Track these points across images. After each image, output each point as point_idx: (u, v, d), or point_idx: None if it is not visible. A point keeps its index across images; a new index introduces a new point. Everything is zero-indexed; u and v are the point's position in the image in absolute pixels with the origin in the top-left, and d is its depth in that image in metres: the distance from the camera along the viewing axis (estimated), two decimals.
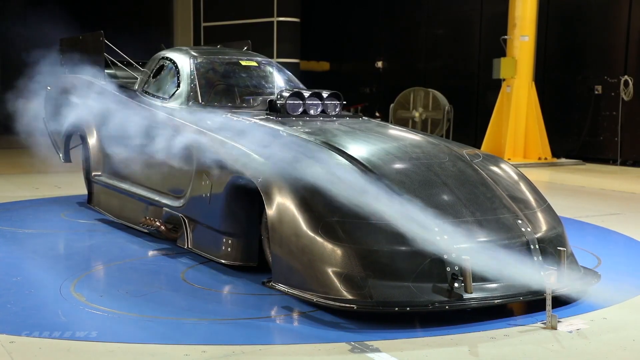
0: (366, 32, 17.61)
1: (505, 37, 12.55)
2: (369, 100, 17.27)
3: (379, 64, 17.33)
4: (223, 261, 4.67)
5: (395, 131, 5.39)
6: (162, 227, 5.27)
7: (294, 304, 3.96)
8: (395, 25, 16.87)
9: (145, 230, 5.55)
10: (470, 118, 14.88)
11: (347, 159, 4.44)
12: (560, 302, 3.97)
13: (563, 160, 12.72)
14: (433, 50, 16.17)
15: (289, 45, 15.84)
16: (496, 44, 12.85)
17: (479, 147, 12.54)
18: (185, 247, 5.09)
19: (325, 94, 5.61)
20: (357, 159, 4.43)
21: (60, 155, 7.43)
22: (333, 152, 4.52)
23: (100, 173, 6.56)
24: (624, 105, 12.41)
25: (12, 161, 11.66)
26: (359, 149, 4.62)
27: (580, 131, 13.12)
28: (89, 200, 6.83)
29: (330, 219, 3.90)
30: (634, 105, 12.38)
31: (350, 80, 17.66)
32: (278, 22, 15.61)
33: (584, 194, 8.86)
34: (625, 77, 12.33)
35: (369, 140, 4.85)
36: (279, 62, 10.04)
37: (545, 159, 12.45)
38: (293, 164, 4.28)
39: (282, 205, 4.07)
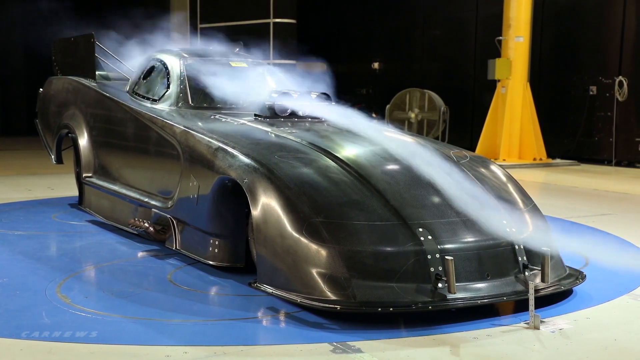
0: (362, 33, 17.63)
1: (500, 38, 12.55)
2: (366, 101, 17.27)
3: (375, 65, 17.34)
4: (210, 262, 4.67)
5: (384, 132, 5.38)
6: (151, 229, 5.28)
7: (280, 305, 3.97)
8: (391, 26, 16.88)
9: (135, 232, 5.56)
10: (466, 119, 14.89)
11: (333, 160, 4.44)
12: (545, 302, 3.98)
13: (558, 160, 12.72)
14: (429, 51, 16.19)
15: (286, 46, 15.84)
16: (491, 45, 12.86)
17: (474, 148, 12.56)
18: (174, 248, 5.10)
19: (314, 95, 5.61)
20: (344, 160, 4.44)
21: (52, 156, 7.44)
22: (319, 153, 4.53)
23: (90, 174, 6.57)
24: (618, 106, 12.42)
25: (6, 163, 11.66)
26: (346, 150, 4.63)
27: (575, 132, 13.12)
28: (80, 202, 6.84)
29: (314, 220, 3.90)
30: (629, 106, 12.39)
31: (347, 81, 17.67)
32: (274, 23, 15.61)
33: (577, 195, 8.86)
34: (620, 77, 12.33)
35: (356, 141, 4.85)
36: (275, 64, 10.01)
37: (540, 159, 12.45)
38: (279, 165, 4.29)
39: (267, 205, 4.08)
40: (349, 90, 17.18)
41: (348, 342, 3.41)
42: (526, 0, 12.29)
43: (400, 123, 13.94)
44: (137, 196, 5.66)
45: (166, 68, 6.08)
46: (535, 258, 4.09)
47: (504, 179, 4.79)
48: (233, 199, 4.56)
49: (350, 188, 4.16)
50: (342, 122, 5.21)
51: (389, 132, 5.41)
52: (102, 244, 5.58)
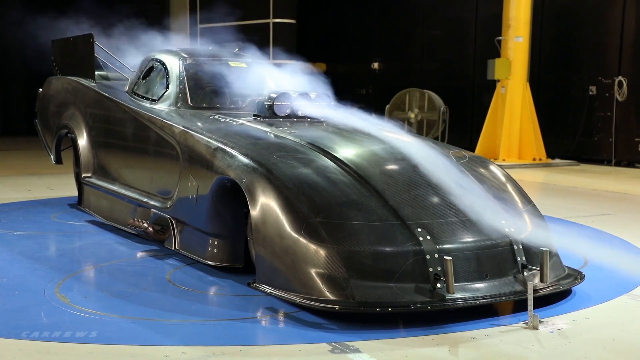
0: (362, 33, 17.63)
1: (500, 38, 12.56)
2: (365, 101, 17.27)
3: (375, 65, 17.34)
4: (209, 262, 4.68)
5: (382, 132, 5.37)
6: (150, 229, 5.28)
7: (279, 305, 3.97)
8: (391, 27, 16.88)
9: (134, 232, 5.56)
10: (465, 119, 14.89)
11: (332, 160, 4.44)
12: (544, 302, 3.98)
13: (558, 161, 12.72)
14: (429, 52, 16.19)
15: (285, 46, 15.83)
16: (491, 45, 12.87)
17: (474, 148, 12.56)
18: (173, 248, 5.10)
19: (313, 95, 5.61)
20: (342, 160, 4.44)
21: (52, 157, 7.44)
22: (318, 154, 4.53)
23: (90, 174, 6.56)
24: (618, 106, 12.42)
25: (5, 163, 11.66)
26: (345, 150, 4.62)
27: (575, 132, 13.12)
28: (79, 202, 6.84)
29: (313, 220, 3.90)
30: (628, 106, 12.39)
31: (347, 81, 17.67)
32: (274, 23, 15.61)
33: (576, 195, 8.86)
34: (620, 77, 12.34)
35: (355, 141, 4.85)
36: (275, 64, 10.01)
37: (540, 159, 12.46)
38: (278, 165, 4.29)
39: (265, 205, 4.08)
40: (348, 90, 17.18)
41: (347, 342, 3.41)
42: (526, 1, 12.30)
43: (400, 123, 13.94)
44: (136, 196, 5.66)
45: (165, 68, 6.08)
46: (534, 258, 4.09)
47: (503, 179, 4.79)
48: (232, 199, 4.56)
49: (349, 188, 4.16)
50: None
51: (388, 132, 5.40)
52: (101, 244, 5.58)
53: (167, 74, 6.02)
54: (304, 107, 5.45)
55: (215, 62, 6.19)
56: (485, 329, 3.63)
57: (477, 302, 3.79)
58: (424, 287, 3.74)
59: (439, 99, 14.06)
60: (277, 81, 6.22)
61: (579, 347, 3.39)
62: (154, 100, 5.95)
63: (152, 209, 5.38)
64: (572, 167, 12.31)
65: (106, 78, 7.14)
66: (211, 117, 5.47)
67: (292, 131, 5.02)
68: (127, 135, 6.01)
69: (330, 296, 3.71)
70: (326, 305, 3.68)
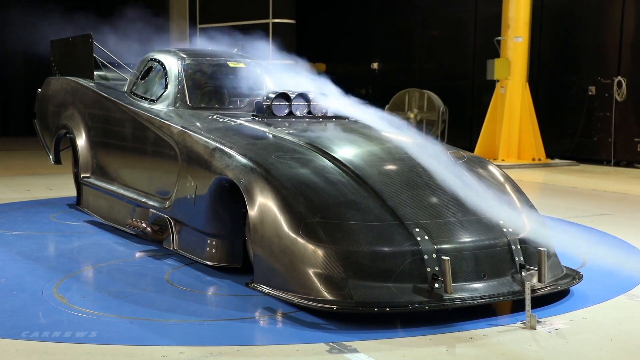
0: (362, 33, 17.63)
1: (499, 38, 12.56)
2: (365, 101, 17.25)
3: (375, 65, 17.34)
4: (208, 262, 4.68)
5: (381, 132, 5.37)
6: (149, 229, 5.28)
7: (277, 305, 3.96)
8: (391, 27, 16.89)
9: (132, 232, 5.56)
10: (465, 119, 14.89)
11: (330, 160, 4.44)
12: (542, 302, 3.98)
13: (557, 161, 12.72)
14: (428, 52, 16.19)
15: (285, 46, 15.82)
16: (490, 45, 12.87)
17: (473, 148, 12.56)
18: (171, 248, 5.10)
19: (311, 95, 5.61)
20: (341, 160, 4.44)
21: (51, 157, 7.44)
22: (316, 154, 4.53)
23: (88, 175, 6.56)
24: (617, 106, 12.42)
25: (4, 163, 11.66)
26: (343, 150, 4.62)
27: (574, 132, 13.13)
28: (78, 202, 6.84)
29: (311, 220, 3.91)
30: (628, 106, 12.39)
31: (346, 81, 17.65)
32: (273, 23, 15.61)
33: (575, 195, 8.86)
34: (619, 77, 12.34)
35: (354, 142, 4.85)
36: (274, 64, 10.00)
37: (539, 159, 12.46)
38: (276, 165, 4.29)
39: (263, 206, 4.08)
40: (348, 90, 17.15)
41: (344, 342, 3.41)
42: (525, 1, 12.30)
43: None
44: (135, 196, 5.66)
45: (164, 68, 6.08)
46: (532, 258, 4.09)
47: (501, 179, 4.79)
48: (230, 199, 4.56)
49: (347, 188, 4.16)
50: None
51: (388, 131, 5.39)
52: (100, 244, 5.58)
53: (166, 74, 6.02)
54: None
55: (214, 62, 6.19)
56: (483, 329, 3.63)
57: (475, 302, 3.79)
58: (422, 287, 3.75)
59: (438, 99, 14.07)
60: (276, 81, 6.23)
61: (576, 347, 3.39)
62: (153, 101, 5.95)
63: (150, 209, 5.39)
64: (571, 167, 12.31)
65: (105, 78, 7.14)
66: (210, 117, 5.47)
67: (291, 131, 5.02)
68: (126, 136, 6.01)
69: (328, 296, 3.71)
70: (324, 306, 3.68)
